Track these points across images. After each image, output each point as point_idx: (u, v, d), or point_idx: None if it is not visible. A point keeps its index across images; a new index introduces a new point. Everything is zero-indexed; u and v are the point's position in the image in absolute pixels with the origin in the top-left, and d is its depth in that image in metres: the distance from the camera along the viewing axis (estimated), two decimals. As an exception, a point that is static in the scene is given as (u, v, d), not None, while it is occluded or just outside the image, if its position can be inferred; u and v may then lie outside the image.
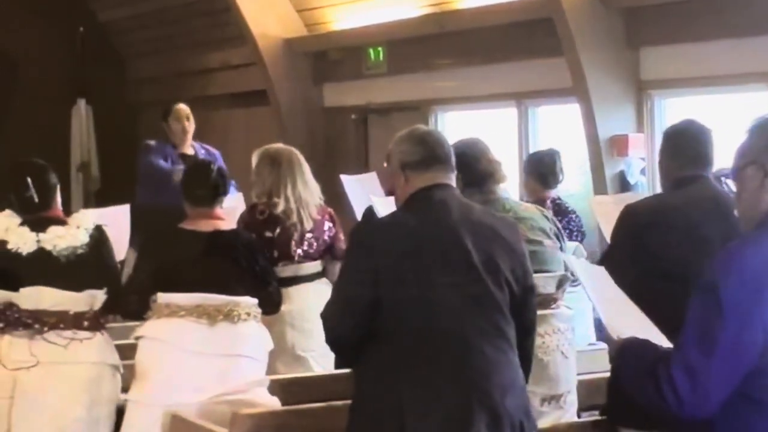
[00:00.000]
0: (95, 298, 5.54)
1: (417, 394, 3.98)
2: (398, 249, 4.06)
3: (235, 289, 5.57)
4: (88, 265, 5.54)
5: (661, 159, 4.92)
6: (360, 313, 4.06)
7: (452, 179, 4.24)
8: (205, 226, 5.67)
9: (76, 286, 5.49)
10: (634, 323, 3.54)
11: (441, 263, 4.05)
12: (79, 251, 5.54)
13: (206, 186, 5.70)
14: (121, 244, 6.04)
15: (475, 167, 5.22)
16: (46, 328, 5.45)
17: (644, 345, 3.36)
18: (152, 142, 8.94)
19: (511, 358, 4.12)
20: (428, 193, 4.17)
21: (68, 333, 5.49)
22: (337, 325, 4.15)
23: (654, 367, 3.19)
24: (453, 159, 4.26)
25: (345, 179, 7.55)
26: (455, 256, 4.07)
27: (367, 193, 6.76)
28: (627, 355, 3.38)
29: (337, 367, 6.60)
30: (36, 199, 5.56)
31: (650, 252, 4.67)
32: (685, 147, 4.81)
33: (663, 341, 3.43)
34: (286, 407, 5.30)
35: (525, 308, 4.20)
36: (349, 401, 4.79)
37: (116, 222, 6.06)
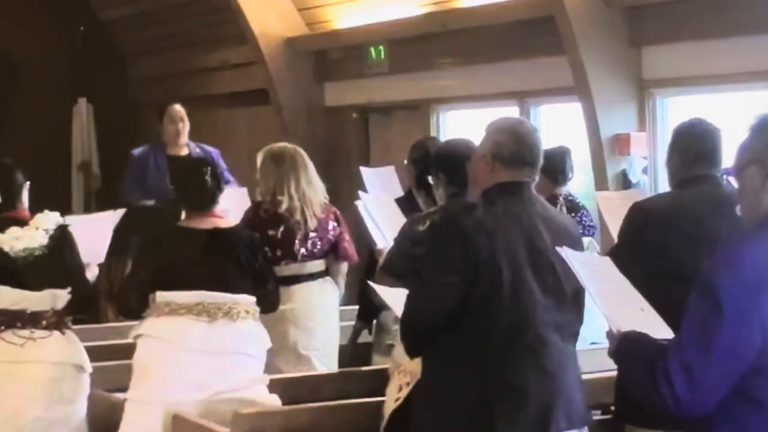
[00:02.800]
0: (57, 297, 5.52)
1: (504, 386, 4.09)
2: (490, 242, 4.13)
3: (234, 287, 5.56)
4: (46, 267, 5.52)
5: (669, 157, 4.91)
6: (449, 303, 4.12)
7: (535, 179, 4.35)
8: (204, 224, 5.66)
9: (35, 286, 5.48)
10: (636, 316, 3.53)
11: (526, 257, 4.16)
12: (37, 252, 5.52)
13: (202, 193, 5.68)
14: (100, 250, 6.02)
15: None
16: (2, 327, 5.43)
17: (643, 339, 3.36)
18: (136, 153, 8.94)
19: (576, 354, 4.30)
20: (513, 188, 4.27)
21: (25, 332, 5.48)
22: (423, 311, 4.19)
23: (652, 362, 3.19)
24: (541, 161, 4.35)
25: (364, 171, 7.65)
26: (537, 251, 4.19)
27: (385, 187, 6.78)
28: (625, 348, 3.38)
29: (341, 366, 6.61)
30: (0, 199, 5.56)
31: (653, 251, 4.66)
32: (693, 146, 4.80)
33: (667, 333, 3.43)
34: (288, 406, 5.29)
35: (582, 305, 4.32)
36: (350, 400, 4.77)
37: (99, 228, 6.04)
